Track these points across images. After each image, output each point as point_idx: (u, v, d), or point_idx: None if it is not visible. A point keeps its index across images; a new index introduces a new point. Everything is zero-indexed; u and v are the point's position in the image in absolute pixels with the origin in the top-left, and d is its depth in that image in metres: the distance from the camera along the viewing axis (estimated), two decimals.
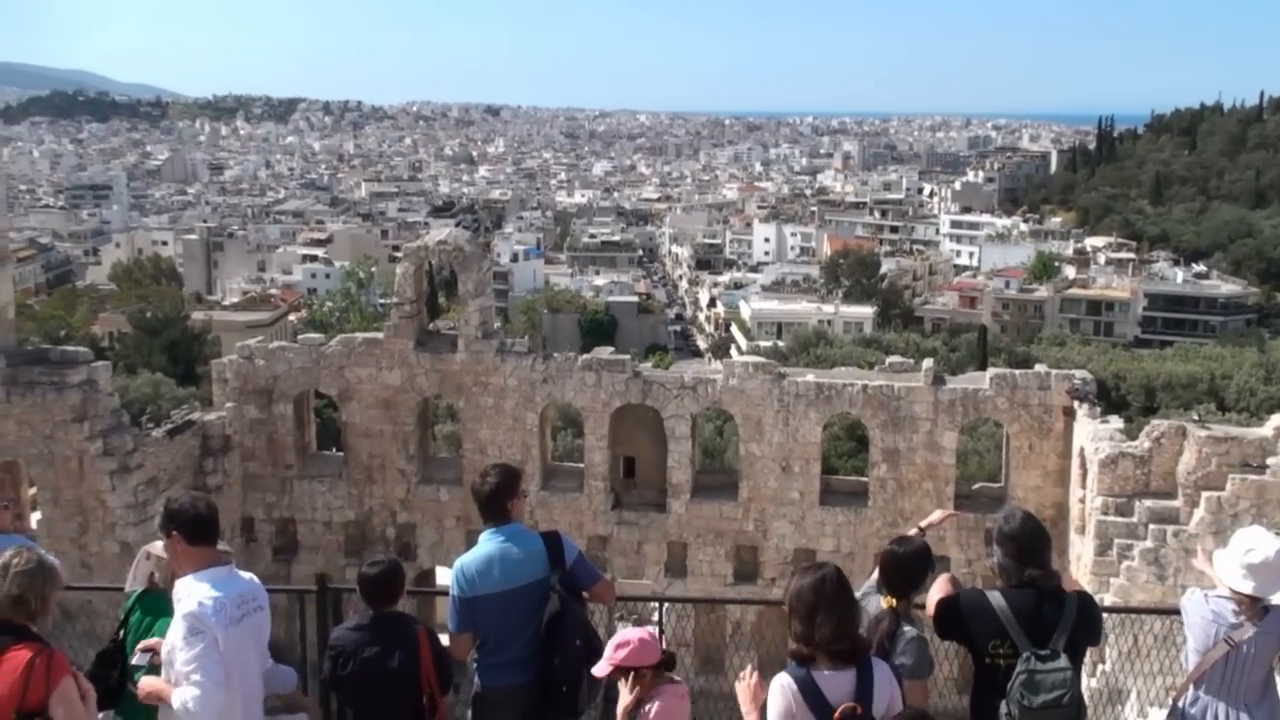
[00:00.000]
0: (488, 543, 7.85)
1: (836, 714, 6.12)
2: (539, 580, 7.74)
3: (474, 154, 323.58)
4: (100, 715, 6.97)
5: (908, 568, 7.31)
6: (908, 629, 7.07)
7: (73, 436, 29.60)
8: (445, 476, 33.65)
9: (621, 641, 6.95)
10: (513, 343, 33.91)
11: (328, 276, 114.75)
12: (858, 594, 7.29)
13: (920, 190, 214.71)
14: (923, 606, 7.45)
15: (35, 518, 28.85)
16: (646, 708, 6.84)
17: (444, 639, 7.95)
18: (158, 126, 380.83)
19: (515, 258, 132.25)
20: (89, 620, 24.69)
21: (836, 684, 6.26)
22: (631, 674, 6.88)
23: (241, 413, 33.32)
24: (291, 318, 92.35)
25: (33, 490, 29.58)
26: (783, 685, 6.44)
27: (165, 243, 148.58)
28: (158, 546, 7.52)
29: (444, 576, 33.17)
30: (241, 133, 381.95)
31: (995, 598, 7.02)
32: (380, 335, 33.05)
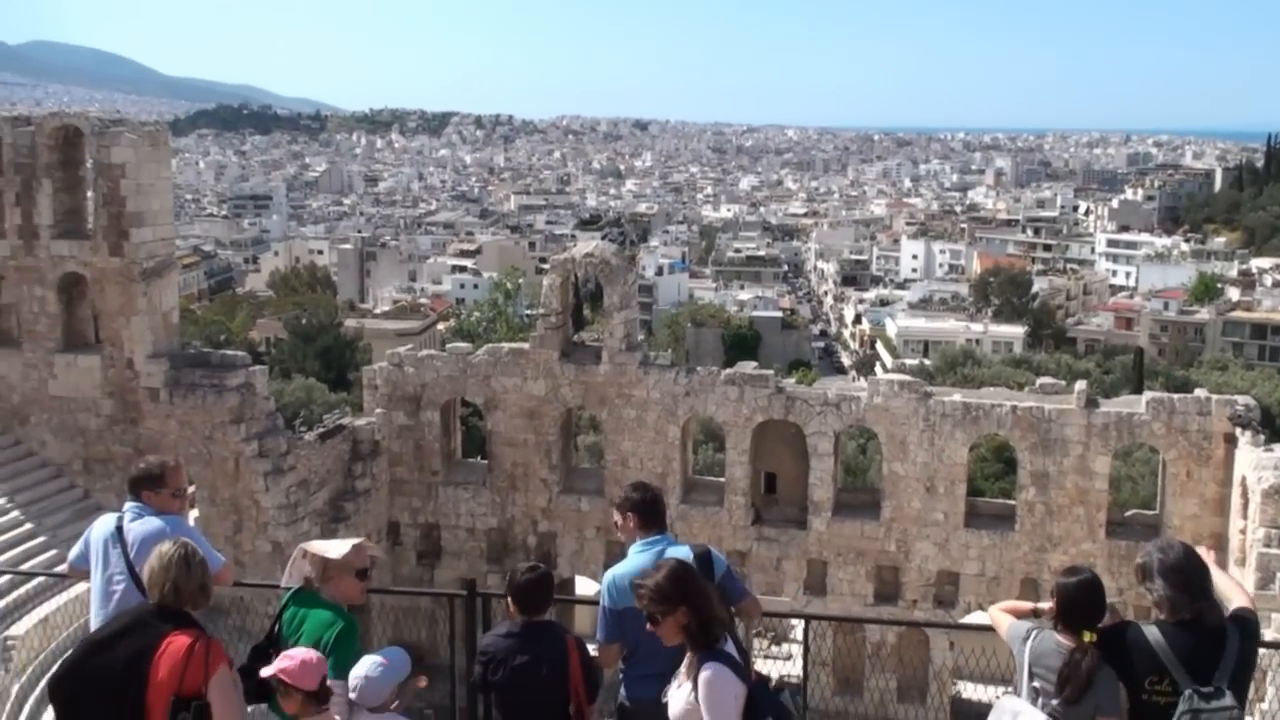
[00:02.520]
0: (639, 554, 7.86)
1: (753, 675, 6.78)
2: None
3: (621, 168, 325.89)
4: (251, 709, 7.15)
5: (1099, 598, 6.97)
6: (1107, 667, 6.73)
7: (230, 438, 30.62)
8: (587, 487, 33.89)
9: (290, 654, 6.84)
10: (656, 356, 34.03)
11: (476, 287, 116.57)
12: (1019, 634, 7.03)
13: (1075, 208, 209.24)
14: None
15: (193, 515, 29.85)
16: None
17: (591, 649, 7.97)
18: (317, 139, 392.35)
19: (660, 271, 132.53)
20: (241, 616, 25.47)
21: (733, 650, 6.82)
22: (284, 688, 6.70)
23: (390, 419, 34.05)
24: (440, 327, 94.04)
25: (191, 488, 30.61)
26: (717, 670, 6.65)
27: (321, 252, 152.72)
28: (314, 545, 7.69)
29: (583, 586, 33.42)
30: (396, 145, 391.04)
31: (1152, 632, 6.70)
32: (526, 346, 33.46)
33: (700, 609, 6.71)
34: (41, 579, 26.97)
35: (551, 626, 7.74)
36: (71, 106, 58.18)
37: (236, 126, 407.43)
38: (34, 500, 31.02)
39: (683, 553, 7.82)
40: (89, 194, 32.97)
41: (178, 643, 6.10)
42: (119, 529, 8.05)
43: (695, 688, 6.58)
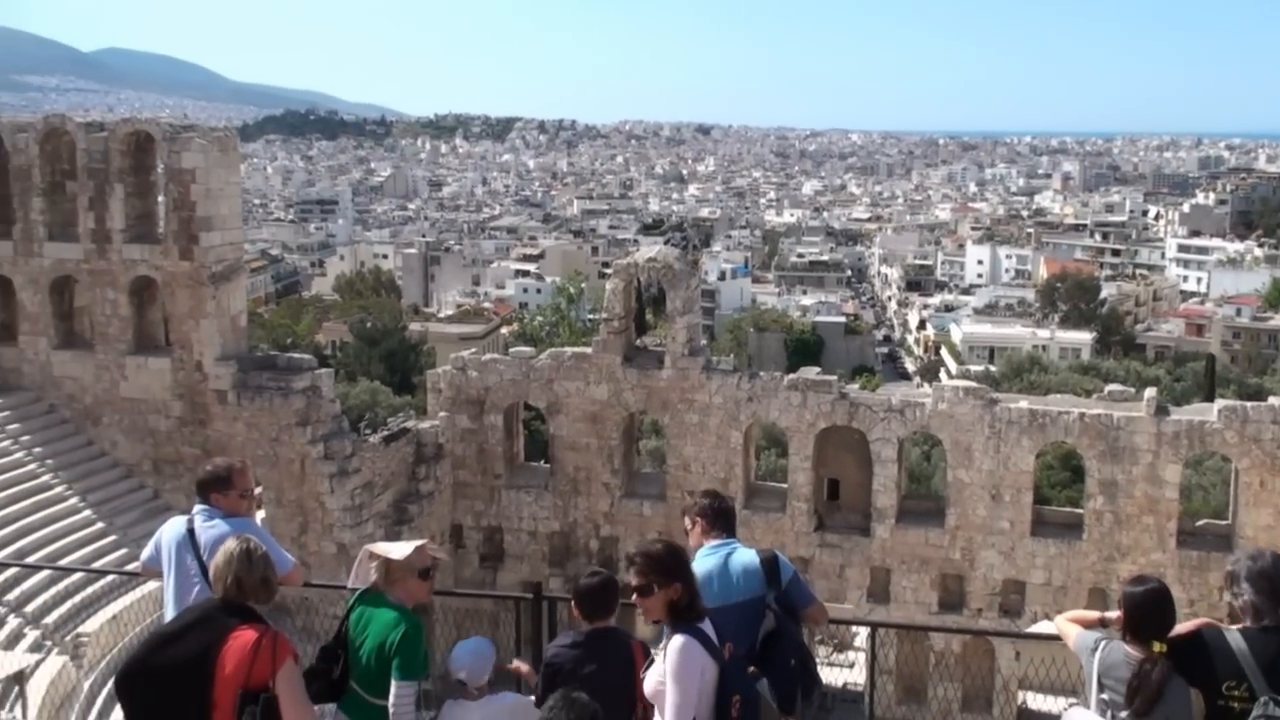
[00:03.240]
0: (706, 558, 7.85)
1: (727, 651, 6.89)
2: (755, 597, 7.70)
3: (684, 172, 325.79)
4: (321, 708, 7.19)
5: (1168, 607, 6.86)
6: (1177, 677, 6.62)
7: (296, 440, 30.95)
8: (649, 491, 33.88)
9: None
10: (719, 360, 33.98)
11: (539, 291, 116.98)
12: (1087, 644, 6.94)
13: (1145, 213, 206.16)
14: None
15: (260, 516, 30.22)
16: None
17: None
18: (382, 144, 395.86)
19: (723, 276, 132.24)
20: (307, 616, 25.71)
21: (710, 631, 6.90)
22: None
23: (454, 422, 34.26)
24: (503, 331, 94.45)
25: (258, 490, 30.98)
26: (685, 642, 6.81)
27: (386, 256, 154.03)
28: (378, 547, 7.73)
29: None
30: (460, 150, 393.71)
31: (1234, 637, 6.61)
32: (589, 350, 33.53)
33: (692, 585, 6.96)
34: (112, 577, 27.40)
35: (616, 633, 7.71)
36: (143, 112, 59.19)
37: (303, 132, 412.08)
38: (105, 500, 31.55)
39: (749, 557, 7.80)
40: (160, 199, 33.50)
41: (244, 637, 6.16)
42: (190, 531, 8.15)
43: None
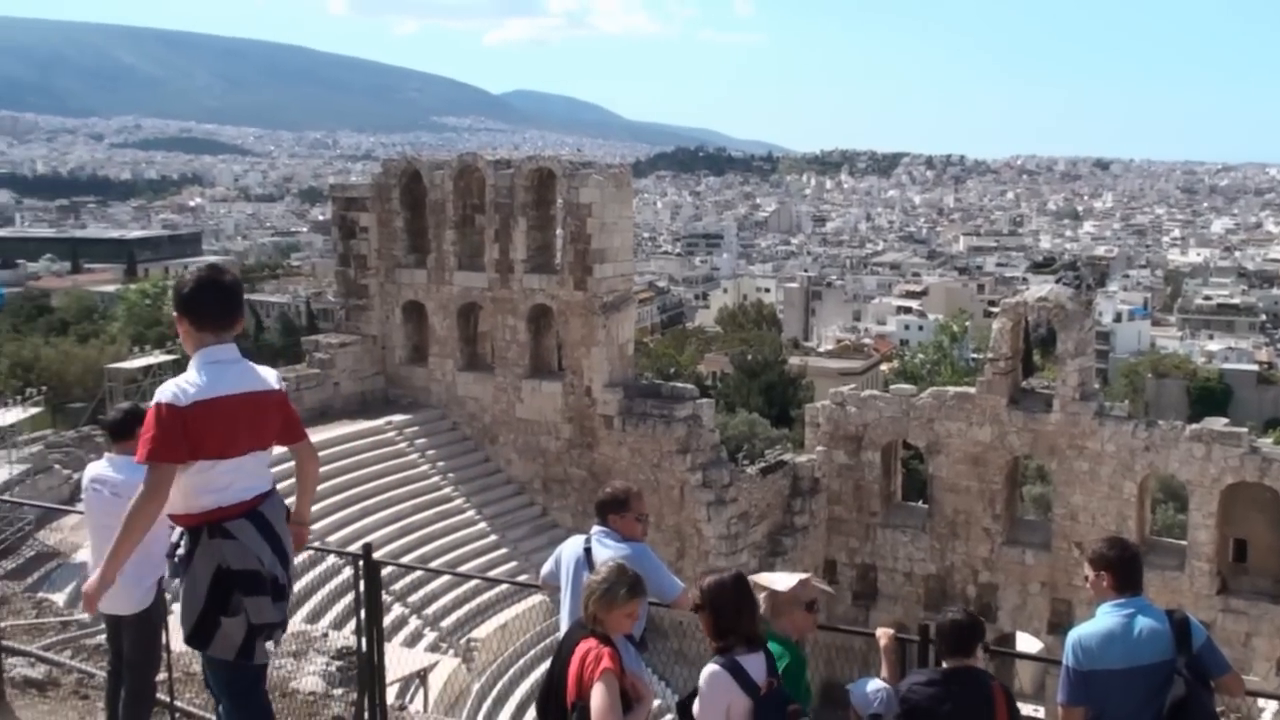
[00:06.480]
0: (1109, 615, 7.38)
1: (763, 689, 6.73)
2: (1163, 661, 7.17)
3: (1079, 209, 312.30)
4: None
5: None
6: None
7: (676, 467, 31.74)
8: (1032, 540, 32.52)
9: None
10: (1112, 406, 32.23)
11: (921, 329, 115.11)
12: None
13: None
14: None
15: None
16: None
17: (1025, 707, 7.55)
18: (767, 180, 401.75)
19: (1119, 317, 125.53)
20: (681, 640, 26.21)
21: (755, 664, 6.81)
22: None
23: (831, 457, 34.11)
24: (883, 368, 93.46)
25: None
26: (714, 672, 6.73)
27: (768, 290, 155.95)
28: (762, 578, 7.74)
29: (1024, 642, 31.98)
30: (845, 186, 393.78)
31: None
32: (972, 390, 32.62)
33: (725, 619, 6.89)
34: (504, 586, 29.00)
35: (977, 674, 7.40)
36: (545, 150, 62.89)
37: (692, 168, 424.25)
38: (499, 514, 33.47)
39: (1157, 618, 7.27)
40: (558, 231, 35.35)
41: (580, 649, 6.52)
42: (588, 550, 8.44)
43: None
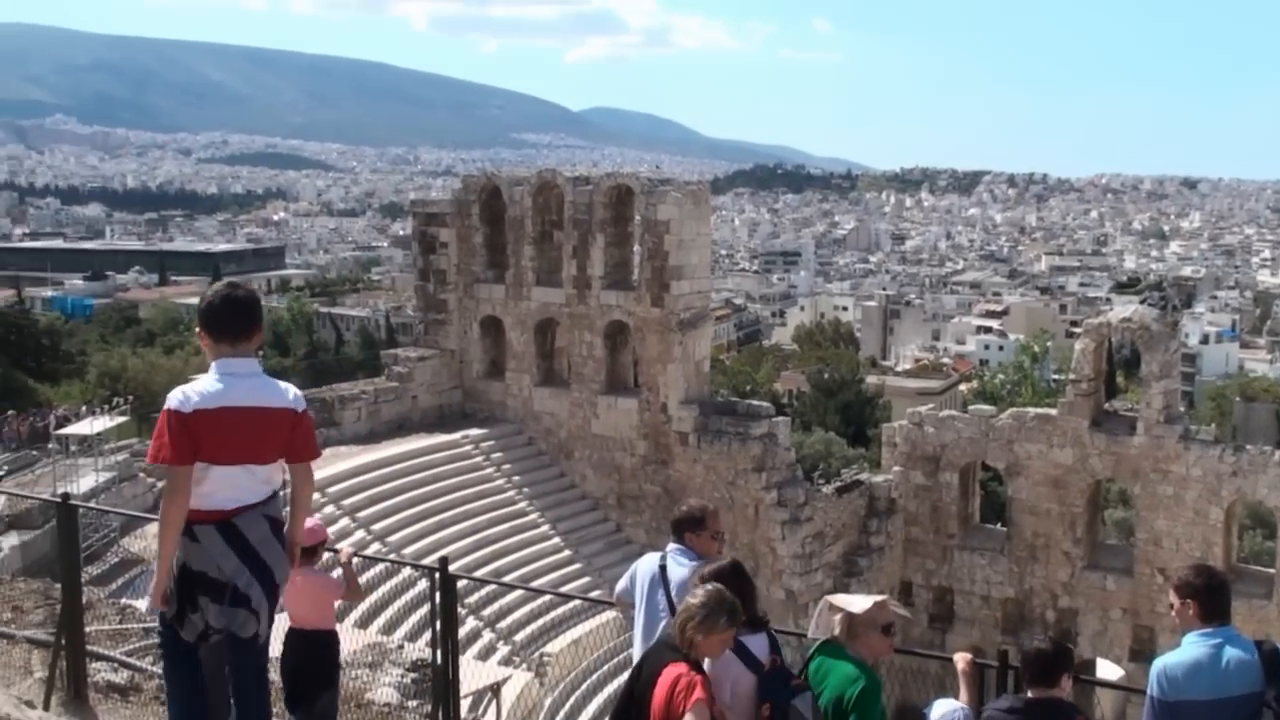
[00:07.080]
0: (1196, 645, 7.21)
1: (767, 666, 7.09)
2: (1252, 693, 6.99)
3: (1166, 228, 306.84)
4: None
5: None
6: None
7: (751, 485, 31.61)
8: (1113, 565, 31.94)
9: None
10: (1198, 430, 31.62)
11: (1001, 349, 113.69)
12: None
13: None
14: None
15: None
16: None
17: None
18: (846, 198, 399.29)
19: (1206, 339, 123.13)
20: None
21: (758, 644, 7.18)
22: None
23: (908, 477, 33.78)
24: (962, 388, 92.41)
25: None
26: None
27: (845, 308, 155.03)
28: (838, 599, 7.68)
29: (1104, 669, 31.38)
30: (925, 204, 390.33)
31: None
32: (1053, 412, 32.17)
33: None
34: (577, 602, 29.04)
35: (1060, 704, 7.25)
36: (624, 167, 63.07)
37: (771, 185, 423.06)
38: (573, 529, 33.55)
39: (1245, 648, 7.08)
40: (635, 248, 35.42)
41: (669, 673, 6.45)
42: (663, 568, 8.43)
43: None
